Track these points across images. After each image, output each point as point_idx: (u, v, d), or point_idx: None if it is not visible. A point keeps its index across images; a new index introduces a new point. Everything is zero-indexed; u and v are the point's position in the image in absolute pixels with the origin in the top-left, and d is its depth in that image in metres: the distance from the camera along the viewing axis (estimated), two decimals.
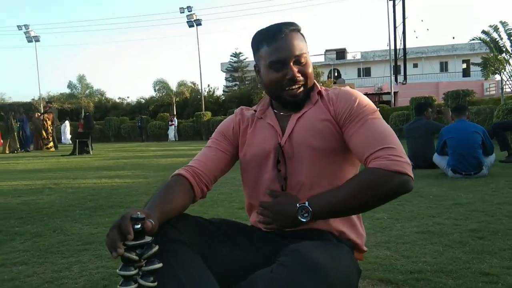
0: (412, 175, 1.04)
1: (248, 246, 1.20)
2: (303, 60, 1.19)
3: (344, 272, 0.98)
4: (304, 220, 1.08)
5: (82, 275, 1.82)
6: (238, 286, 0.99)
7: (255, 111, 1.33)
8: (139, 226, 0.93)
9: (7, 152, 13.33)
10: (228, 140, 1.33)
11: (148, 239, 0.93)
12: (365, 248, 1.32)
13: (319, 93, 1.26)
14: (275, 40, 1.18)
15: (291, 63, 1.18)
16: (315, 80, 1.28)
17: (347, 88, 1.25)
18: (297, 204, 1.09)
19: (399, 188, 1.03)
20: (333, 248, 1.07)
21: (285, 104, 1.26)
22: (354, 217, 1.30)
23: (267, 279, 0.92)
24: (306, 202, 1.08)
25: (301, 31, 1.23)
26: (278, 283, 0.90)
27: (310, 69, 1.22)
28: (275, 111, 1.29)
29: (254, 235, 1.24)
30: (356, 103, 1.17)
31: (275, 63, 1.18)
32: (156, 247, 0.93)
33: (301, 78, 1.19)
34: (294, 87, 1.19)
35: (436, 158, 4.98)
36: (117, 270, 0.91)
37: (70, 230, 2.64)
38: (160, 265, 0.93)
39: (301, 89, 1.21)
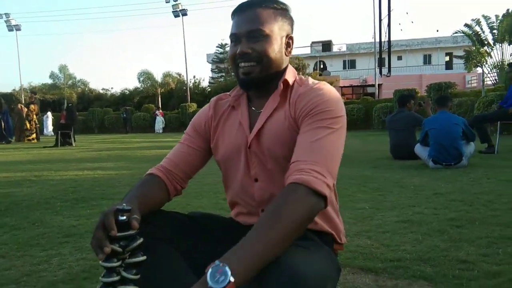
0: (327, 195, 0.95)
1: (228, 241, 1.18)
2: (260, 36, 1.10)
3: (324, 278, 0.98)
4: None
5: (61, 267, 1.80)
6: None
7: (230, 95, 1.27)
8: (124, 217, 0.92)
9: None
10: (201, 135, 1.27)
11: (132, 231, 0.92)
12: (343, 240, 1.28)
13: (286, 83, 1.16)
14: (238, 14, 1.14)
15: (243, 38, 1.11)
16: (290, 66, 1.20)
17: (319, 85, 1.13)
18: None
19: (312, 210, 0.94)
20: (314, 254, 1.01)
21: (241, 85, 1.19)
22: (331, 210, 1.22)
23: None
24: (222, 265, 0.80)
25: (280, 9, 1.14)
26: None
27: (270, 48, 1.11)
28: (249, 103, 1.23)
29: (234, 229, 1.22)
30: (318, 102, 1.07)
31: (231, 36, 1.15)
32: (141, 240, 0.92)
33: (253, 54, 1.10)
34: (245, 64, 1.11)
35: (418, 148, 5.06)
36: (100, 262, 0.90)
37: (50, 223, 2.60)
38: (144, 258, 0.92)
39: (256, 68, 1.11)
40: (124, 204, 0.94)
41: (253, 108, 1.21)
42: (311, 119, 1.05)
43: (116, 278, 0.90)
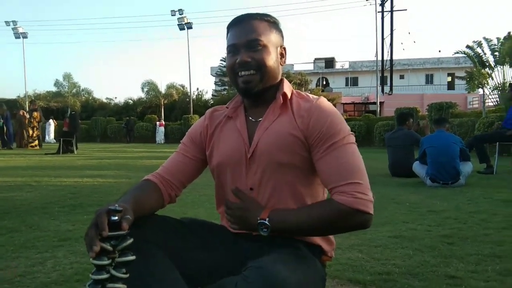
0: (373, 212, 1.06)
1: (217, 247, 1.20)
2: (258, 45, 1.16)
3: (305, 286, 1.01)
4: (264, 234, 1.11)
5: (55, 269, 1.82)
6: None
7: (227, 107, 1.29)
8: (116, 218, 0.95)
9: None
10: (196, 145, 1.30)
11: (123, 231, 0.95)
12: (332, 255, 1.30)
13: (285, 96, 1.20)
14: (235, 26, 1.20)
15: (242, 48, 1.16)
16: (285, 79, 1.25)
17: (321, 102, 1.18)
18: (258, 219, 1.11)
19: (358, 226, 1.09)
20: (298, 261, 1.06)
21: (241, 93, 1.23)
22: None
23: None
24: (267, 219, 1.10)
25: (273, 22, 1.22)
26: None
27: (268, 57, 1.17)
28: (246, 113, 1.26)
29: (224, 236, 1.24)
30: (328, 124, 1.13)
31: (229, 47, 1.19)
32: (131, 240, 0.95)
33: (252, 63, 1.15)
34: (245, 72, 1.16)
35: (416, 166, 5.08)
36: (91, 259, 0.93)
37: (47, 227, 2.63)
38: (133, 257, 0.95)
39: (256, 76, 1.16)
40: (116, 205, 0.97)
41: (250, 118, 1.25)
42: (329, 141, 1.12)
43: (105, 276, 0.93)
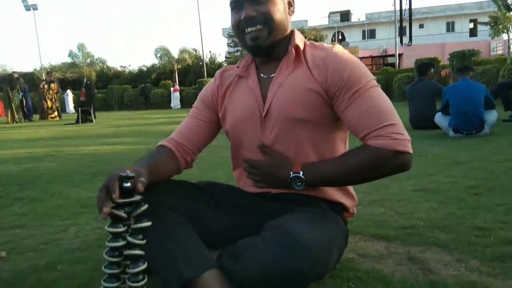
0: (412, 151, 1.02)
1: (235, 209, 1.18)
2: None
3: (328, 246, 0.97)
4: (298, 188, 1.08)
5: (77, 236, 1.84)
6: (224, 253, 0.98)
7: (238, 67, 1.24)
8: (128, 184, 0.92)
9: (10, 122, 13.37)
10: (209, 108, 1.26)
11: (137, 197, 0.92)
12: (354, 211, 1.29)
13: (297, 49, 1.13)
14: None
15: (246, 2, 1.07)
16: (296, 30, 1.17)
17: (337, 49, 1.10)
18: (291, 173, 1.07)
19: (400, 168, 1.04)
20: (319, 219, 1.03)
21: (250, 51, 1.16)
22: None
23: (251, 253, 0.92)
24: (301, 172, 1.06)
25: None
26: (262, 259, 0.89)
27: (275, 9, 1.08)
28: (257, 71, 1.20)
29: (241, 197, 1.23)
30: (348, 71, 1.05)
31: (232, 3, 1.12)
32: (145, 206, 0.93)
33: (258, 17, 1.07)
34: (251, 28, 1.08)
35: (438, 118, 4.92)
36: (106, 227, 0.92)
37: (69, 195, 2.67)
38: (149, 223, 0.93)
39: (263, 31, 1.08)
40: (128, 171, 0.93)
41: (262, 75, 1.19)
42: (352, 89, 1.05)
43: (122, 243, 0.92)
